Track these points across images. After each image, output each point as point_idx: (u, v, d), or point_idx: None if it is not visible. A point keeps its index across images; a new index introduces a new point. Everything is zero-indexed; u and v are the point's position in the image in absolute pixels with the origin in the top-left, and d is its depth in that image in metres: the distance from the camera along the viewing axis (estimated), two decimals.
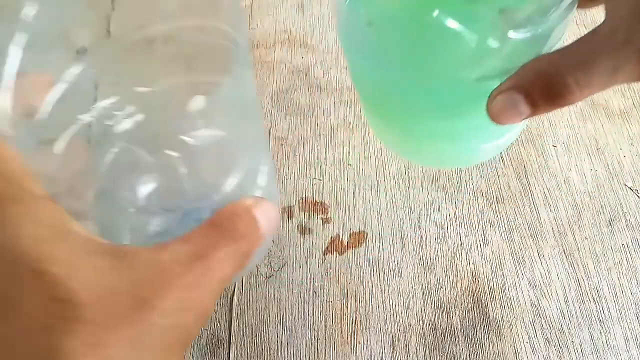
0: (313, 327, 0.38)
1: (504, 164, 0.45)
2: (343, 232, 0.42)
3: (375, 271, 0.40)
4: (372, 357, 0.37)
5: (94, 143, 0.26)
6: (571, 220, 0.43)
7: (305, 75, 0.50)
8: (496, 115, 0.25)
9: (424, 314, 0.39)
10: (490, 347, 0.38)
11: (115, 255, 0.19)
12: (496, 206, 0.43)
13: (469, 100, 0.27)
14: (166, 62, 0.27)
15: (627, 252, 0.41)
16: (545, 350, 0.37)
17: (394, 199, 0.43)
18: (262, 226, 0.23)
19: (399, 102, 0.29)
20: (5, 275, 0.18)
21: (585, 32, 0.23)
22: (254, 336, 0.38)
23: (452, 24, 0.25)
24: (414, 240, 0.42)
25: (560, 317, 0.39)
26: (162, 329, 0.19)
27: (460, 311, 0.39)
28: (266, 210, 0.23)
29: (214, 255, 0.21)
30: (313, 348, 0.38)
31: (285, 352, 0.37)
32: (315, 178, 0.44)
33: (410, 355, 0.37)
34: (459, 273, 0.40)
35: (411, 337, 0.38)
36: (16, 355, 0.18)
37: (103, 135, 0.26)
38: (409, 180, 0.44)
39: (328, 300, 0.39)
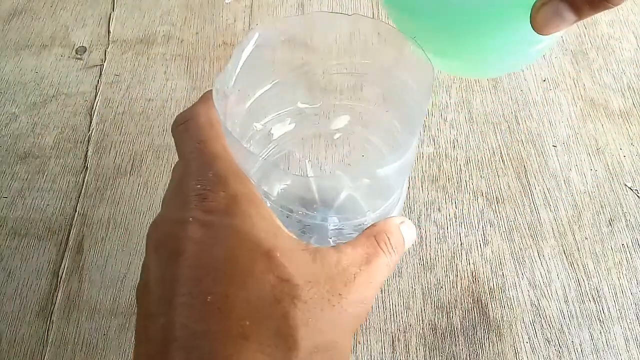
0: None
1: (504, 164, 0.45)
2: None
3: None
4: (372, 357, 0.37)
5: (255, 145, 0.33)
6: (571, 220, 0.43)
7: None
8: (541, 27, 0.25)
9: (424, 314, 0.39)
10: (490, 347, 0.38)
11: (311, 252, 0.24)
12: (496, 206, 0.43)
13: (509, 11, 0.26)
14: (339, 89, 0.34)
15: (627, 252, 0.41)
16: (545, 350, 0.37)
17: None
18: (407, 242, 0.28)
19: (432, 14, 0.28)
20: (245, 254, 0.23)
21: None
22: None
23: None
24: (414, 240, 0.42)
25: (560, 317, 0.39)
26: (348, 315, 0.24)
27: (460, 311, 0.39)
28: (409, 229, 0.28)
29: (376, 263, 0.25)
30: None
31: None
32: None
33: (410, 355, 0.37)
34: (459, 273, 0.40)
35: (411, 337, 0.38)
36: (259, 316, 0.22)
37: (264, 139, 0.33)
38: (409, 180, 0.44)
39: None
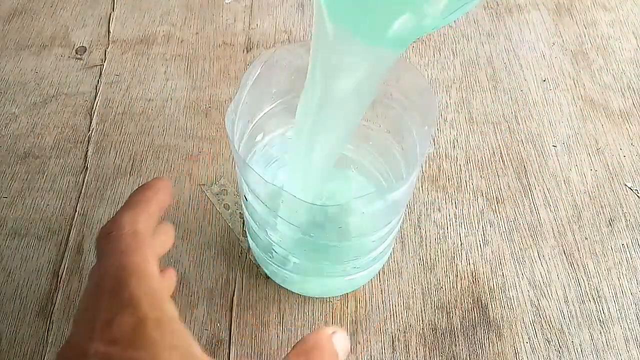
0: (313, 327, 0.38)
1: (504, 164, 0.45)
2: None
3: None
4: (372, 357, 0.37)
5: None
6: (571, 220, 0.43)
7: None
8: None
9: (424, 314, 0.39)
10: (490, 347, 0.38)
11: None
12: (496, 206, 0.43)
13: None
14: None
15: (627, 252, 0.41)
16: (545, 350, 0.37)
17: None
18: (340, 355, 0.26)
19: None
20: None
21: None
22: (253, 336, 0.38)
23: None
24: (414, 240, 0.42)
25: (560, 317, 0.39)
26: None
27: (460, 311, 0.39)
28: (342, 340, 0.26)
29: None
30: None
31: (285, 352, 0.37)
32: None
33: (410, 355, 0.37)
34: (459, 273, 0.40)
35: (411, 337, 0.38)
36: None
37: (265, 153, 0.36)
38: None
39: (328, 300, 0.39)
